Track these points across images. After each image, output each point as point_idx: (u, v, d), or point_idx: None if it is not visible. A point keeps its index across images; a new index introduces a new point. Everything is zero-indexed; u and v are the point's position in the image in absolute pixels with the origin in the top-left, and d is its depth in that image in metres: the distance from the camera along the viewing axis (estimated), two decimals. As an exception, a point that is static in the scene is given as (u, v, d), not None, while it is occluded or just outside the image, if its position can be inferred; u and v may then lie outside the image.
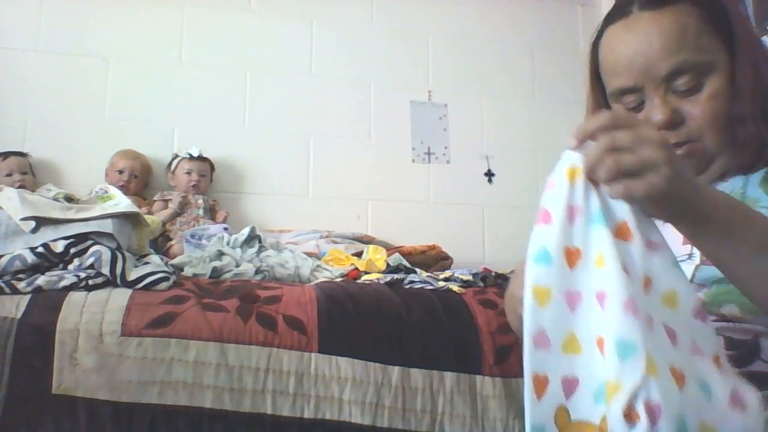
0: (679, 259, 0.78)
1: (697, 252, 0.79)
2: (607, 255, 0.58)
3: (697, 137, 0.80)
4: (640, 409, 0.51)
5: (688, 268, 0.77)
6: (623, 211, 0.59)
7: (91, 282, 1.36)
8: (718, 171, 0.83)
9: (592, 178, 0.59)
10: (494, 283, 1.72)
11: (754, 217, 0.65)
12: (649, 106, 0.82)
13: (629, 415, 0.51)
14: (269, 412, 1.26)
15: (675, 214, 0.62)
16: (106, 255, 1.40)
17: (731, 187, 0.83)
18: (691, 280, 0.76)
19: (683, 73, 0.79)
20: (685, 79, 0.79)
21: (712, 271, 0.74)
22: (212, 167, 2.33)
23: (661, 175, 0.57)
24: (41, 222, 1.45)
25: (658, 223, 0.71)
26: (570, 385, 0.58)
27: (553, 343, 0.59)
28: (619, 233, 0.58)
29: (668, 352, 0.54)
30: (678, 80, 0.79)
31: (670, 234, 0.84)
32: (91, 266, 1.39)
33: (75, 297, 1.31)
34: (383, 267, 1.87)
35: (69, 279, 1.35)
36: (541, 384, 0.59)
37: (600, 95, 0.91)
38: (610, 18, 0.86)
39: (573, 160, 0.60)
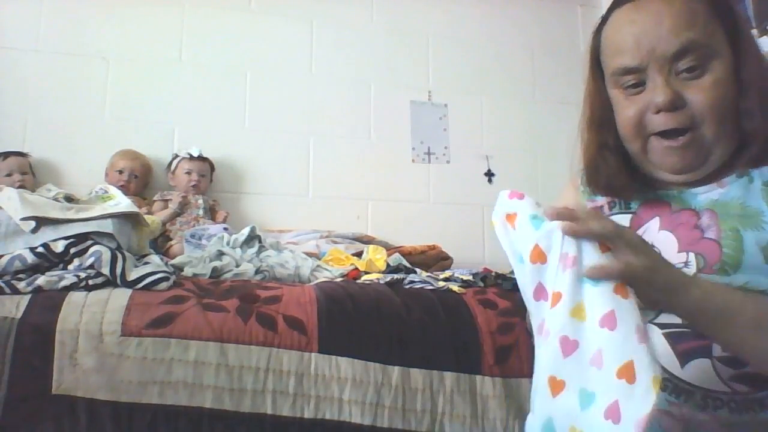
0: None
1: (692, 260, 0.80)
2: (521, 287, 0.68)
3: (698, 123, 0.80)
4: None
5: None
6: (536, 236, 0.65)
7: (91, 282, 1.36)
8: (716, 163, 0.83)
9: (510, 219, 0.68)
10: (494, 283, 1.72)
11: (745, 300, 0.70)
12: (651, 86, 0.81)
13: None
14: (269, 412, 1.26)
15: (661, 302, 0.69)
16: (106, 255, 1.40)
17: (731, 195, 0.82)
18: None
19: (688, 53, 0.79)
20: (690, 59, 0.79)
21: (709, 278, 0.75)
22: (212, 167, 2.33)
23: (640, 263, 0.64)
24: (41, 222, 1.45)
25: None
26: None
27: None
28: (534, 257, 0.65)
29: (554, 363, 0.62)
30: (682, 60, 0.79)
31: (665, 240, 0.84)
32: (91, 266, 1.39)
33: (75, 297, 1.31)
34: (383, 267, 1.87)
35: (69, 279, 1.35)
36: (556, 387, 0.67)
37: (600, 82, 0.91)
38: (618, 2, 0.86)
39: (512, 208, 0.68)
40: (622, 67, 0.83)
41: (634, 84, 0.83)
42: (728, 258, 0.77)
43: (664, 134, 0.82)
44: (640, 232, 0.86)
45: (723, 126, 0.80)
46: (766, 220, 0.77)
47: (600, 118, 0.91)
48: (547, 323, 0.63)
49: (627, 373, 0.59)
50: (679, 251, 0.81)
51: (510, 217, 0.68)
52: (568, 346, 0.62)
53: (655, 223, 0.86)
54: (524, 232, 0.66)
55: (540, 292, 0.65)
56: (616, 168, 0.89)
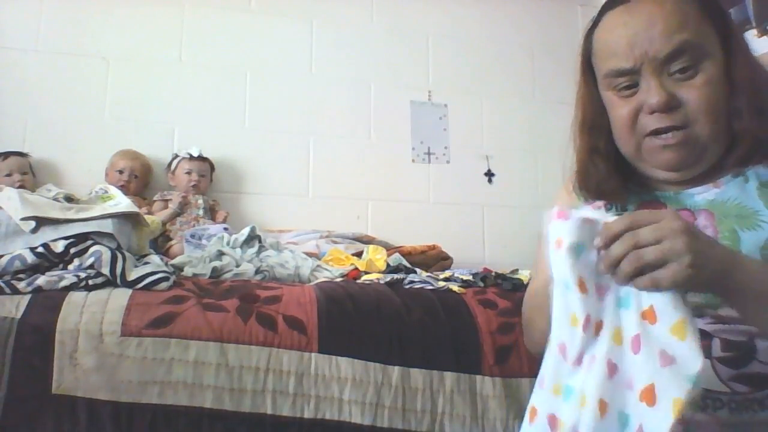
0: None
1: None
2: (556, 311, 0.68)
3: (691, 122, 0.80)
4: None
5: None
6: (578, 267, 0.66)
7: (91, 282, 1.36)
8: (709, 161, 0.83)
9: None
10: (494, 283, 1.72)
11: None
12: (644, 88, 0.82)
13: None
14: (269, 412, 1.26)
15: (707, 289, 0.67)
16: (106, 255, 1.40)
17: (727, 195, 0.83)
18: None
19: (682, 54, 0.79)
20: (683, 60, 0.79)
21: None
22: (212, 167, 2.33)
23: (684, 263, 0.61)
24: (41, 222, 1.45)
25: None
26: (553, 423, 0.69)
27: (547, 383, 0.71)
28: (580, 287, 0.66)
29: (601, 386, 0.63)
30: (675, 62, 0.79)
31: None
32: (91, 266, 1.39)
33: (75, 297, 1.30)
34: (383, 267, 1.87)
35: (69, 279, 1.35)
36: (531, 414, 0.71)
37: (591, 85, 0.91)
38: (609, 5, 0.86)
39: (558, 231, 0.67)
40: (615, 69, 0.83)
41: (628, 86, 0.83)
42: None
43: (657, 132, 0.82)
44: None
45: (716, 125, 0.80)
46: (763, 219, 0.78)
47: (592, 122, 0.91)
48: (586, 347, 0.65)
49: (648, 395, 0.60)
50: None
51: (558, 243, 0.68)
52: (611, 369, 0.63)
53: None
54: (568, 260, 0.66)
55: (587, 322, 0.66)
56: (606, 173, 0.89)
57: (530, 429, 0.70)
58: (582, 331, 0.65)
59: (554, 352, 0.69)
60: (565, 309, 0.67)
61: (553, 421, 0.68)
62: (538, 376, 0.72)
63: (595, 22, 0.88)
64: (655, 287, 0.62)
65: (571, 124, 0.94)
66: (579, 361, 0.66)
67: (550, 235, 0.68)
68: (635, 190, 0.91)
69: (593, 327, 0.65)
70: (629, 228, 0.63)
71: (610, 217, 0.67)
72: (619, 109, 0.85)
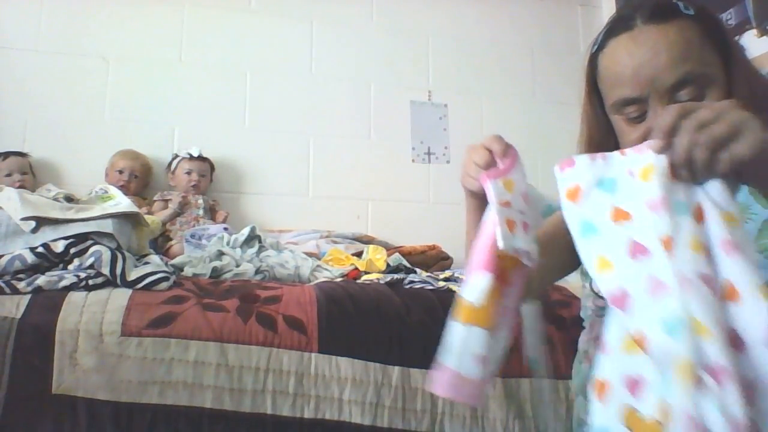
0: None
1: None
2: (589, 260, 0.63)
3: None
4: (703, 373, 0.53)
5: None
6: (612, 200, 0.63)
7: (91, 282, 1.36)
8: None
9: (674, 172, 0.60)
10: (494, 283, 1.72)
11: None
12: (652, 116, 0.83)
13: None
14: (269, 412, 1.26)
15: None
16: (106, 255, 1.40)
17: None
18: None
19: (687, 84, 0.80)
20: (688, 90, 0.80)
21: None
22: (212, 167, 2.33)
23: (755, 128, 0.58)
24: (41, 222, 1.45)
25: None
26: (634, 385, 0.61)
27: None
28: (617, 217, 0.62)
29: (708, 308, 0.55)
30: (681, 91, 0.80)
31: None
32: (91, 266, 1.39)
33: (75, 297, 1.31)
34: (383, 267, 1.87)
35: (69, 279, 1.35)
36: (599, 389, 0.64)
37: (598, 107, 0.91)
38: (612, 31, 0.86)
39: (565, 182, 0.65)
40: (622, 99, 0.84)
41: (636, 113, 0.84)
42: None
43: None
44: None
45: None
46: (753, 212, 0.79)
47: (597, 141, 0.92)
48: (669, 271, 0.56)
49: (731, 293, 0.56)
50: None
51: (572, 193, 0.63)
52: (709, 282, 0.57)
53: None
54: (594, 201, 0.61)
55: (636, 248, 0.59)
56: None
57: (602, 405, 0.63)
58: (630, 258, 0.58)
59: (613, 303, 0.61)
60: (614, 247, 0.60)
61: (632, 383, 0.60)
62: (592, 348, 0.66)
63: (599, 46, 0.89)
64: (737, 163, 0.58)
65: (578, 141, 0.95)
66: (652, 291, 0.58)
67: (561, 191, 0.64)
68: None
69: (662, 244, 0.57)
70: (682, 115, 0.60)
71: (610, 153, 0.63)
72: (629, 135, 0.86)
